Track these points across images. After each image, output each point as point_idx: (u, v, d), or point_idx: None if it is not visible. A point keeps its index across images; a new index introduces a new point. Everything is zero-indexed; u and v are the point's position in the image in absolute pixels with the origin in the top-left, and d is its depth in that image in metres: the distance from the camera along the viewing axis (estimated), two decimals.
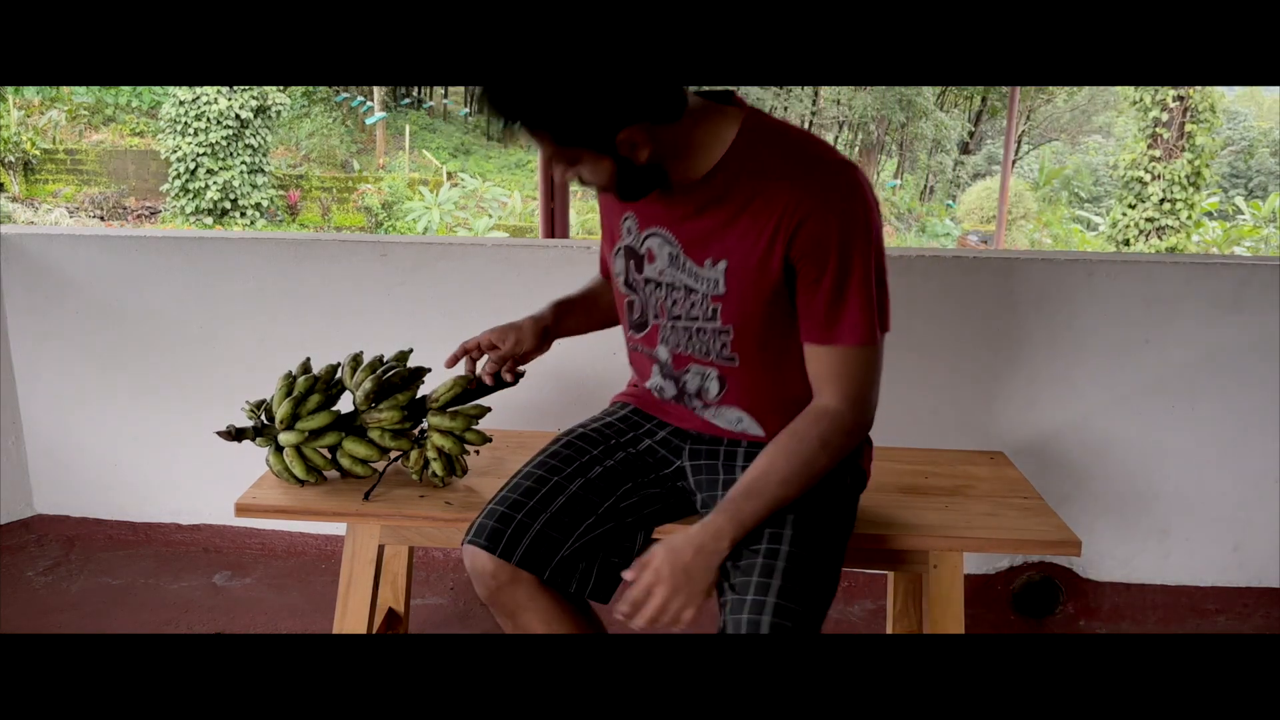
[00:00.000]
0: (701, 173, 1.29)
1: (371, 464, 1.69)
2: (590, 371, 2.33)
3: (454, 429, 1.65)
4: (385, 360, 1.72)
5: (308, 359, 1.76)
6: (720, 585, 1.28)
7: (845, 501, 1.41)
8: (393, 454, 1.71)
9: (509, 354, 1.56)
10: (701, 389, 1.42)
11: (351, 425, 1.68)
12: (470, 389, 1.66)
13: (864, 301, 1.27)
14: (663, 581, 1.21)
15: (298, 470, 1.64)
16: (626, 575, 1.24)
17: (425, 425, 1.68)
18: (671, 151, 1.26)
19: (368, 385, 1.64)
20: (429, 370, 1.73)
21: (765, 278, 1.29)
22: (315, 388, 1.67)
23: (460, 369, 1.64)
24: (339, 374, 1.73)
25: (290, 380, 1.68)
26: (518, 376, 1.71)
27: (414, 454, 1.66)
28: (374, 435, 1.66)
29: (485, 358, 1.60)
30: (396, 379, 1.67)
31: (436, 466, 1.65)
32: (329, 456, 1.69)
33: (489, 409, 1.69)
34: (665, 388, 1.47)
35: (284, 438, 1.64)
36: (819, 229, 1.24)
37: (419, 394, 1.71)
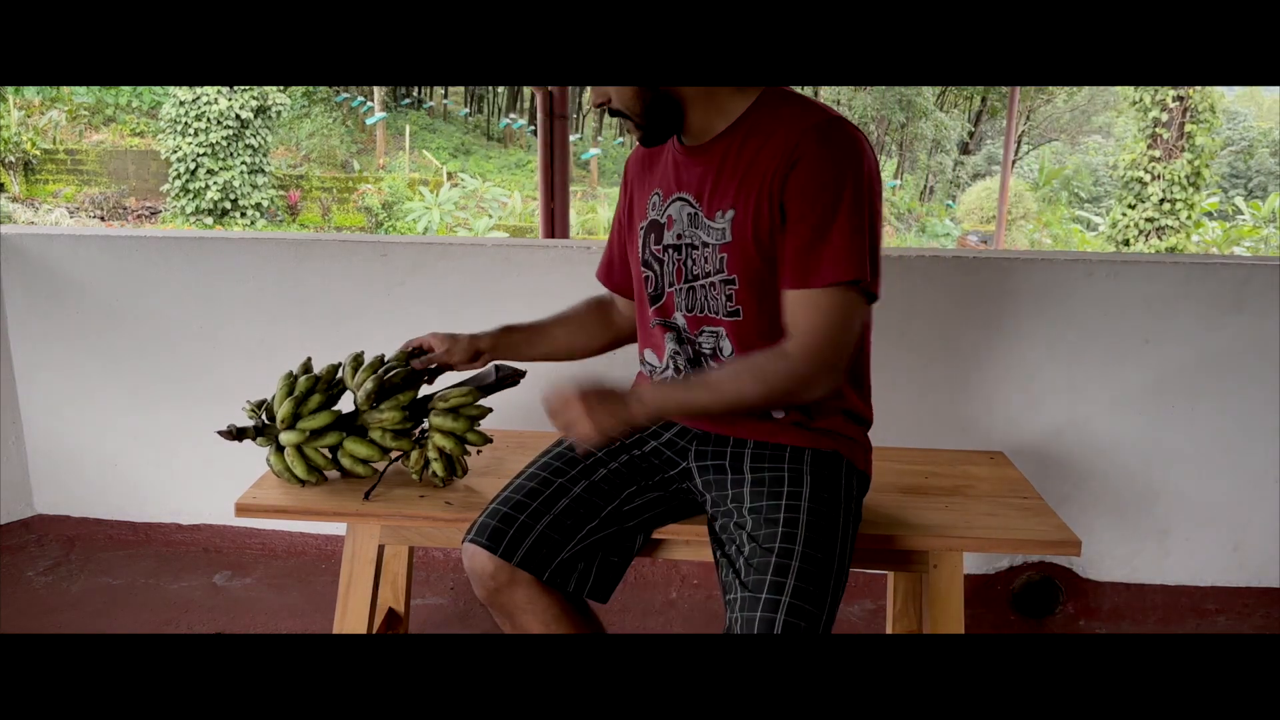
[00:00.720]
0: (721, 129, 1.36)
1: (372, 464, 1.69)
2: (591, 373, 2.32)
3: (456, 430, 1.65)
4: (386, 360, 1.72)
5: (309, 359, 1.76)
6: (727, 582, 1.29)
7: (852, 505, 1.41)
8: (393, 454, 1.71)
9: (437, 360, 1.63)
10: (716, 348, 1.43)
11: (352, 425, 1.68)
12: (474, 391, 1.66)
13: (849, 241, 1.27)
14: (574, 402, 1.34)
15: (299, 470, 1.64)
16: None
17: (426, 426, 1.68)
18: (695, 94, 1.35)
19: (369, 385, 1.64)
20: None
21: (764, 224, 1.32)
22: (316, 387, 1.67)
23: (467, 375, 1.68)
24: (340, 373, 1.73)
25: (291, 380, 1.68)
26: (520, 375, 1.71)
27: (414, 454, 1.67)
28: (375, 435, 1.66)
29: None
30: (398, 379, 1.67)
31: (437, 467, 1.65)
32: (330, 456, 1.69)
33: (490, 409, 1.69)
34: (681, 353, 1.47)
35: (285, 437, 1.63)
36: (810, 171, 1.27)
37: (420, 394, 1.71)
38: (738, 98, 1.35)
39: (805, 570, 1.24)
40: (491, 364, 1.72)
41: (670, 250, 1.43)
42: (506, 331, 1.64)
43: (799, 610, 1.20)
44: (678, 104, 1.36)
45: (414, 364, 1.65)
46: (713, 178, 1.36)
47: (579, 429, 1.33)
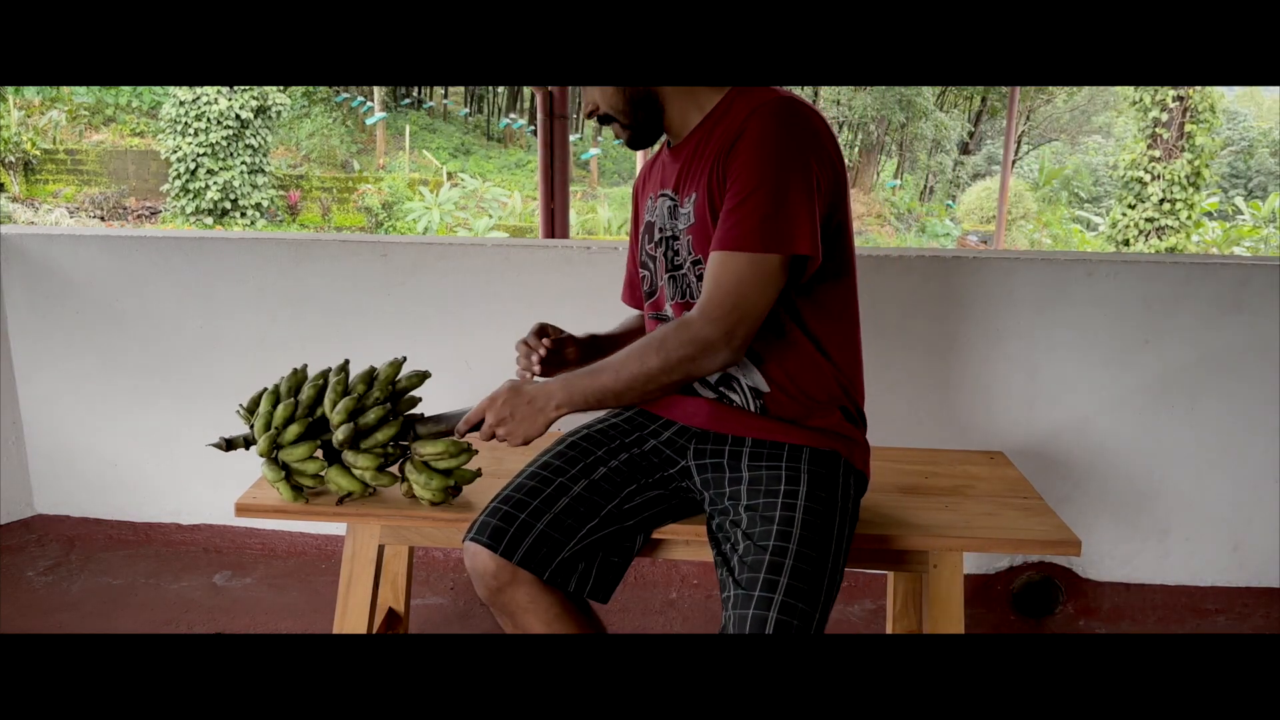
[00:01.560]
0: (696, 122, 1.41)
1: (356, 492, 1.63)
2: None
3: (435, 485, 1.58)
4: (375, 373, 1.62)
5: (296, 375, 1.66)
6: (723, 580, 1.29)
7: (849, 505, 1.41)
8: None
9: (549, 346, 1.55)
10: None
11: (338, 454, 1.61)
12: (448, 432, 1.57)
13: (768, 209, 1.27)
14: (493, 410, 1.38)
15: (285, 495, 1.60)
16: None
17: (410, 454, 1.60)
18: (672, 90, 1.40)
19: (339, 435, 1.56)
20: (426, 375, 1.67)
21: (716, 201, 1.34)
22: (296, 415, 1.59)
23: (455, 401, 1.61)
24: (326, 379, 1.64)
25: (272, 404, 1.60)
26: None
27: (403, 486, 1.61)
28: (356, 473, 1.61)
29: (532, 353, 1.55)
30: (373, 421, 1.57)
31: (425, 499, 1.61)
32: (319, 476, 1.63)
33: (470, 448, 1.60)
34: None
35: (265, 471, 1.60)
36: (747, 143, 1.30)
37: (412, 398, 1.64)
38: (711, 91, 1.40)
39: (799, 569, 1.24)
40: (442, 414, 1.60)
41: (658, 245, 1.47)
42: (593, 340, 1.63)
43: (792, 609, 1.20)
44: (657, 100, 1.41)
45: (537, 347, 1.53)
46: (686, 168, 1.41)
47: (508, 439, 1.39)
